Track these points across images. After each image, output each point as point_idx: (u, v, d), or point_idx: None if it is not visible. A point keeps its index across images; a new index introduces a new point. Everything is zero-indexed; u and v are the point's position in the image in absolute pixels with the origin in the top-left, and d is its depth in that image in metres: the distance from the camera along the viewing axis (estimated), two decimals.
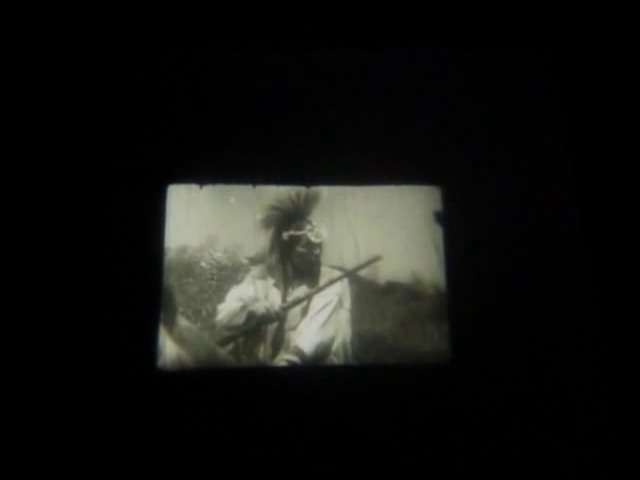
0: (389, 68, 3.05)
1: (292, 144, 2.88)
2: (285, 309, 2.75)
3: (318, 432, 2.55)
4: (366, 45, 3.04)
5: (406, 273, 2.79)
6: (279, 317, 2.73)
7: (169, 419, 2.54)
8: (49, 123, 2.79)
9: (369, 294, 2.78)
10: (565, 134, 3.05)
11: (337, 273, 2.80)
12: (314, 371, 2.70)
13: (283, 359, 2.68)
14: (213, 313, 2.71)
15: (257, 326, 2.71)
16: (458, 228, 2.85)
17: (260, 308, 2.72)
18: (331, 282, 2.78)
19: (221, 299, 2.73)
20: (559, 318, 2.78)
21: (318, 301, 2.77)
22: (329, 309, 2.75)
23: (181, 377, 2.63)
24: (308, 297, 2.76)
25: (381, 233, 2.85)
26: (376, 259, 2.80)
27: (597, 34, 3.03)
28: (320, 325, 2.73)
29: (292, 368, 2.67)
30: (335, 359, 2.70)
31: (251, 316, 2.71)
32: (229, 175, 2.85)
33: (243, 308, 2.72)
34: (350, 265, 2.80)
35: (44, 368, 2.53)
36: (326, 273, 2.80)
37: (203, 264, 2.76)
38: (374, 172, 2.87)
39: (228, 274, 2.77)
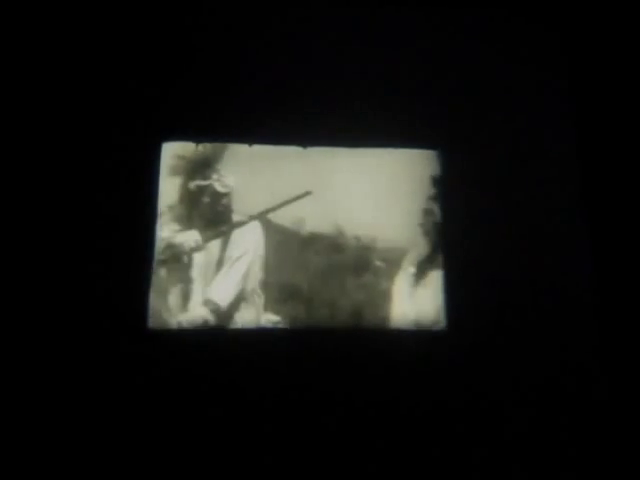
0: (389, 30, 2.95)
1: (290, 104, 2.80)
2: (205, 241, 2.65)
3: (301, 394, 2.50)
4: (367, 4, 2.95)
5: (329, 224, 2.66)
6: (199, 247, 2.63)
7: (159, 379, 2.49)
8: (44, 82, 2.72)
9: (289, 244, 2.65)
10: (567, 97, 2.96)
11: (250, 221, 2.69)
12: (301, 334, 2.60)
13: (198, 315, 2.57)
14: None
15: (176, 256, 2.62)
16: (454, 193, 2.76)
17: (178, 237, 2.64)
18: (253, 217, 2.67)
19: None
20: (556, 288, 2.71)
21: (233, 251, 2.65)
22: (246, 259, 2.64)
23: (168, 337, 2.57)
24: (228, 230, 2.66)
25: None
26: (305, 194, 2.68)
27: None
28: (239, 275, 2.63)
29: (268, 329, 2.59)
30: (248, 308, 2.59)
31: (169, 245, 2.62)
32: (225, 133, 2.75)
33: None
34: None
35: (40, 329, 2.49)
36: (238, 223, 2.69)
37: None
38: (372, 133, 2.77)
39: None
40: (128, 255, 2.57)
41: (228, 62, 2.84)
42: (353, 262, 2.63)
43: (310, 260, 2.63)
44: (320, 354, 2.52)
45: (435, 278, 2.68)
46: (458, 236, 2.70)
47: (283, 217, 2.67)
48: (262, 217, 2.68)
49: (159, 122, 2.73)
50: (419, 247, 2.70)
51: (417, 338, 2.60)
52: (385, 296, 2.62)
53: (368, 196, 2.71)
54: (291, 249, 2.65)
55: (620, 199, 2.76)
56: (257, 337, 2.58)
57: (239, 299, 2.60)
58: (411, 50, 2.93)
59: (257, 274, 2.63)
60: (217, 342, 2.54)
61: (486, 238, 2.71)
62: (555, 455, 2.51)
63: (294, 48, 2.87)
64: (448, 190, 2.76)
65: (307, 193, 2.68)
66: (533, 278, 2.70)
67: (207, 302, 2.58)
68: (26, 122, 2.66)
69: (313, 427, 2.46)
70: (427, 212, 2.73)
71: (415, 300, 2.64)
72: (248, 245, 2.65)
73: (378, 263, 2.63)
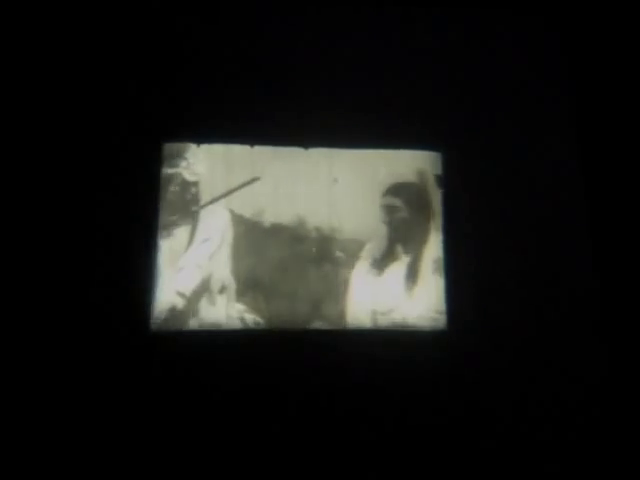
0: (391, 31, 2.97)
1: (291, 104, 2.81)
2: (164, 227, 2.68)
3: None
4: (368, 4, 2.95)
5: (290, 215, 2.72)
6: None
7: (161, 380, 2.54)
8: (45, 83, 2.71)
9: (253, 236, 2.71)
10: (567, 97, 3.02)
11: (218, 209, 2.71)
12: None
13: (167, 300, 2.62)
14: None
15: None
16: (457, 193, 2.82)
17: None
18: (205, 204, 2.71)
19: None
20: (557, 287, 2.79)
21: (198, 238, 2.69)
22: (210, 245, 2.68)
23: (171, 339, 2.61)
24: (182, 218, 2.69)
25: None
26: (253, 180, 2.73)
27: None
28: (202, 259, 2.67)
29: (269, 331, 2.65)
30: (216, 296, 2.66)
31: None
32: (227, 134, 2.76)
33: None
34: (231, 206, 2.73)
35: (42, 331, 2.52)
36: (206, 211, 2.71)
37: None
38: (374, 134, 2.81)
39: None
40: (129, 256, 2.59)
41: (229, 63, 2.85)
42: (314, 253, 2.70)
43: (271, 251, 2.69)
44: (319, 355, 2.58)
45: (394, 269, 2.76)
46: (459, 236, 2.77)
47: (244, 208, 2.71)
48: (214, 204, 2.70)
49: (160, 123, 2.74)
50: (379, 239, 2.76)
51: (417, 338, 2.67)
52: (344, 286, 2.70)
53: (330, 189, 2.76)
54: (253, 240, 2.69)
55: (621, 199, 2.82)
56: (260, 338, 2.62)
57: (205, 286, 2.65)
58: (411, 51, 2.96)
59: (226, 262, 2.68)
60: (219, 343, 2.58)
61: (487, 238, 2.79)
62: (556, 455, 2.60)
63: (294, 48, 2.89)
64: (449, 190, 2.82)
65: (255, 179, 2.72)
66: (534, 278, 2.79)
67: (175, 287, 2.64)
68: (27, 123, 2.66)
69: (314, 428, 2.53)
70: (391, 209, 2.79)
71: (373, 290, 2.72)
72: (212, 232, 2.69)
73: (338, 254, 2.71)
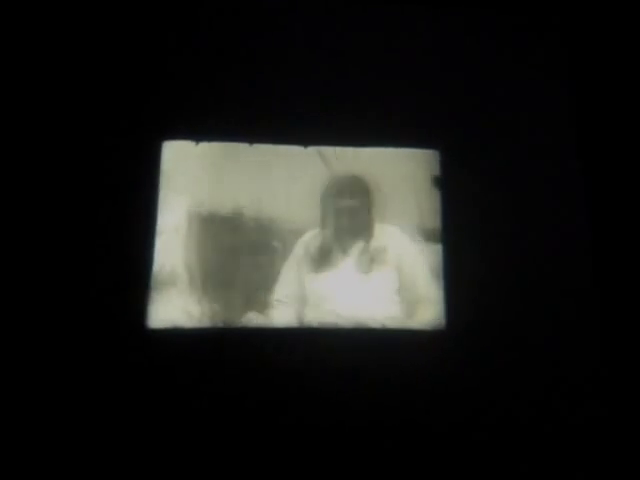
0: (390, 30, 3.02)
1: (291, 103, 2.85)
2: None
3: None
4: (367, 3, 3.04)
5: (227, 205, 2.76)
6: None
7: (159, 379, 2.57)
8: (44, 81, 2.78)
9: (205, 227, 2.76)
10: (567, 97, 2.98)
11: (180, 202, 2.77)
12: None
13: None
14: None
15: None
16: (457, 193, 2.81)
17: None
18: None
19: None
20: (557, 287, 2.73)
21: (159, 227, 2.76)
22: (163, 239, 2.73)
23: (169, 336, 2.64)
24: None
25: None
26: None
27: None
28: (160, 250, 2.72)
29: (273, 330, 2.68)
30: (170, 288, 2.69)
31: None
32: (226, 133, 2.82)
33: None
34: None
35: (39, 330, 2.56)
36: (171, 203, 2.76)
37: None
38: (374, 132, 2.85)
39: None
40: (128, 254, 2.63)
41: (229, 61, 2.90)
42: (251, 242, 2.71)
43: (209, 241, 2.72)
44: (321, 354, 2.58)
45: (338, 262, 2.73)
46: (458, 236, 2.74)
47: (200, 201, 2.75)
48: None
49: (160, 121, 2.78)
50: (316, 231, 2.75)
51: (415, 338, 2.63)
52: (276, 277, 2.70)
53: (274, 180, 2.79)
54: (205, 231, 2.74)
55: (621, 199, 2.75)
56: (260, 337, 2.63)
57: (156, 279, 2.67)
58: (410, 50, 2.98)
59: (181, 254, 2.70)
60: (218, 342, 2.59)
61: (486, 238, 2.74)
62: (556, 455, 2.49)
63: (294, 47, 2.94)
64: (448, 190, 2.79)
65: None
66: (534, 278, 2.71)
67: None
68: (26, 121, 2.72)
69: (313, 430, 2.51)
70: (350, 211, 2.76)
71: (301, 282, 2.70)
72: (165, 223, 2.72)
73: (275, 244, 2.72)
